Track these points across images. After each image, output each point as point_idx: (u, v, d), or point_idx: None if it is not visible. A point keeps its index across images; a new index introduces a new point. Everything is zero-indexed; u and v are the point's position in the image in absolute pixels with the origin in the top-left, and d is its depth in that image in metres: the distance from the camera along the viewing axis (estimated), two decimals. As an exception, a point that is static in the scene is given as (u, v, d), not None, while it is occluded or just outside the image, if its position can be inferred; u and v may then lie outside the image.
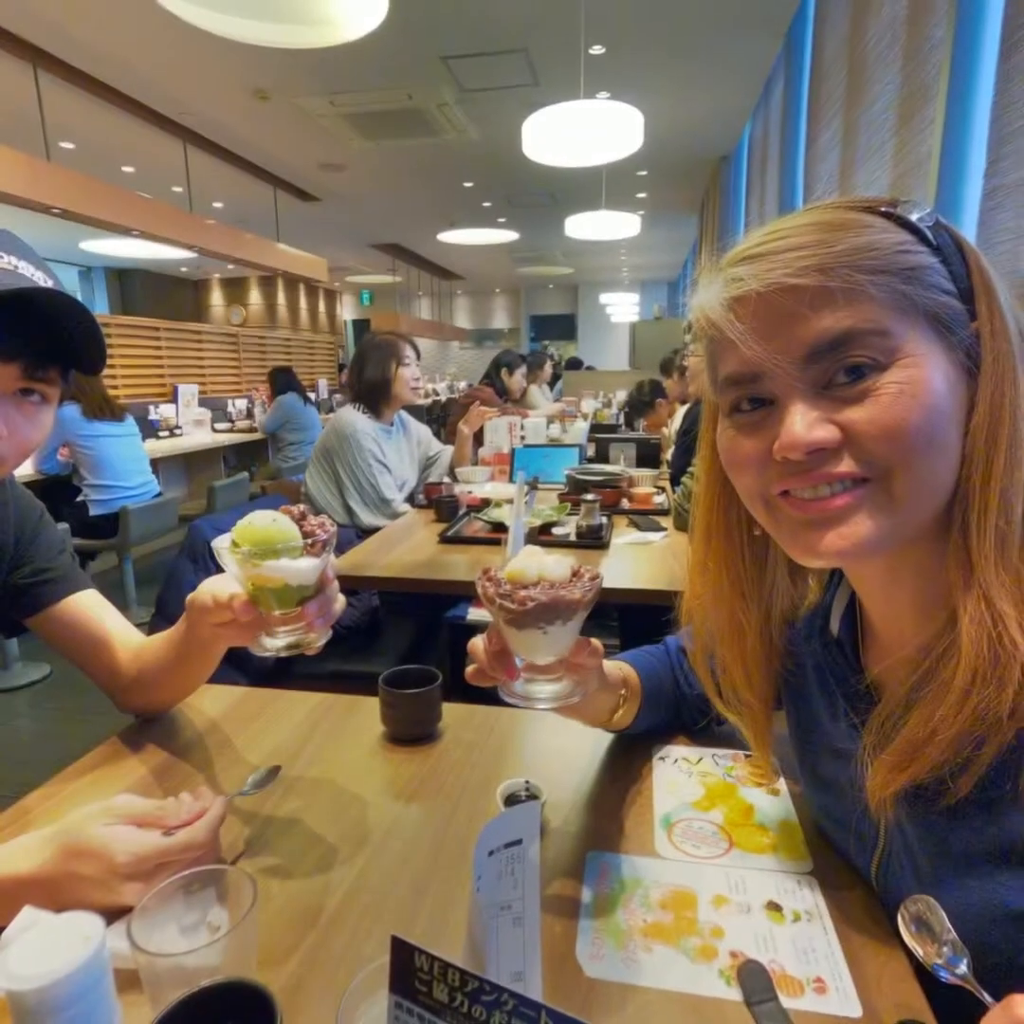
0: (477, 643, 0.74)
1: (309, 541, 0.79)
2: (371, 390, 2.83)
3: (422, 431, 3.12)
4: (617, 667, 0.97)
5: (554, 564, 0.71)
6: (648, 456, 3.47)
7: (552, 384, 8.49)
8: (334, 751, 1.06)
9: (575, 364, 11.31)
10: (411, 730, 1.08)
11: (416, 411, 10.09)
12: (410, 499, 2.93)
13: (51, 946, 0.53)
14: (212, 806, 0.78)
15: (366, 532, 2.56)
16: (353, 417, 2.79)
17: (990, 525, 0.58)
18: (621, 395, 7.02)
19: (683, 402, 4.11)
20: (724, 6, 4.14)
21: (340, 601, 0.84)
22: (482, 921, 0.56)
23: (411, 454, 3.01)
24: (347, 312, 19.72)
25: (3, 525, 1.05)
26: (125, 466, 4.20)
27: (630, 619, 2.14)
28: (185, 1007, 0.52)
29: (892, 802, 0.65)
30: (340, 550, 2.21)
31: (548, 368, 7.06)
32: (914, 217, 0.61)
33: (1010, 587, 0.57)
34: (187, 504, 5.39)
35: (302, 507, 0.83)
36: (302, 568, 0.78)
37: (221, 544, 0.77)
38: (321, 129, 6.08)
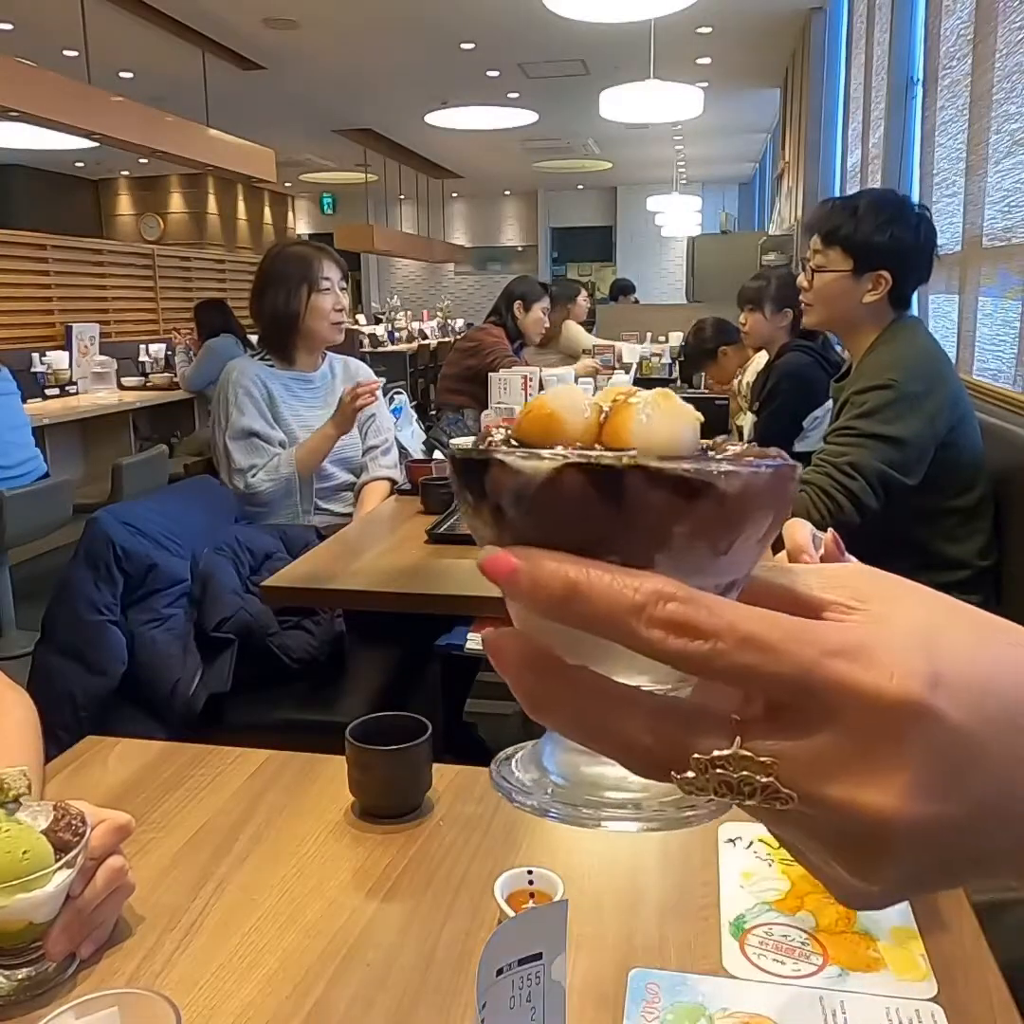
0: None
1: (70, 855, 0.78)
2: (273, 326, 2.79)
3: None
4: None
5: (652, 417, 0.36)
6: (712, 421, 3.45)
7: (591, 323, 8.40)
8: (284, 830, 1.06)
9: (625, 289, 11.02)
10: (390, 801, 1.09)
11: (395, 360, 10.05)
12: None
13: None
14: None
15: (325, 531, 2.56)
16: (242, 363, 2.78)
17: None
18: (675, 338, 6.98)
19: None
20: None
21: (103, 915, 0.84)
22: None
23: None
24: (302, 224, 19.69)
25: None
26: None
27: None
28: None
29: None
30: (294, 555, 2.21)
31: (583, 301, 7.01)
32: None
33: None
34: (84, 489, 5.40)
35: (24, 784, 0.81)
36: (54, 893, 0.77)
37: None
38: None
